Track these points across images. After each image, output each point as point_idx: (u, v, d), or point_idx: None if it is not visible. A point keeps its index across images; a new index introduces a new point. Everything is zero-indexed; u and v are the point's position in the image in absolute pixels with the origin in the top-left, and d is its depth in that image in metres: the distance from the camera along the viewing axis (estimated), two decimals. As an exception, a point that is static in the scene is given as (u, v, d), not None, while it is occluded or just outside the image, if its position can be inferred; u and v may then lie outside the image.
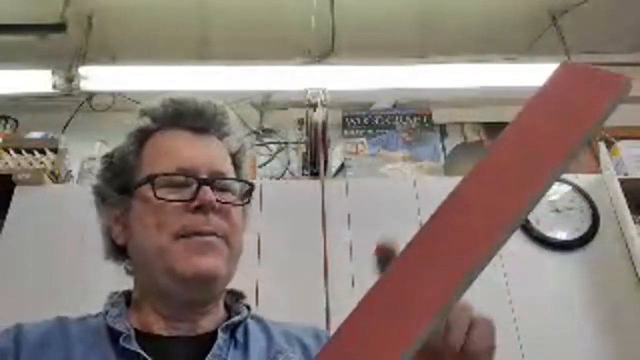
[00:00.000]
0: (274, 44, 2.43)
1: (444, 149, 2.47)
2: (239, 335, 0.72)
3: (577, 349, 1.69)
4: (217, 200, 0.68)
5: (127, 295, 0.77)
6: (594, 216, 1.91)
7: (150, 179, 0.69)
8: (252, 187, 0.75)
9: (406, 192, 1.96)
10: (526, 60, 2.45)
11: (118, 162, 0.74)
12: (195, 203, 0.67)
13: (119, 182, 0.73)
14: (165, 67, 2.25)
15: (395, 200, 1.90)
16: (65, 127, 2.42)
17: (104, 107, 2.49)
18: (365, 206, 1.88)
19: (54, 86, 2.18)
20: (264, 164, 2.39)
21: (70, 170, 2.19)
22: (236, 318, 0.72)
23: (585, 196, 1.96)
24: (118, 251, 0.75)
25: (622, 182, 1.92)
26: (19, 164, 2.06)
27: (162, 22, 2.41)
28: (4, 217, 1.87)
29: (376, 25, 2.44)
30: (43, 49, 2.36)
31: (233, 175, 0.75)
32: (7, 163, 2.06)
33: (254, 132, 2.49)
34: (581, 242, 1.87)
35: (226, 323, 0.71)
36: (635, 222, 1.86)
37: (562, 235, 1.88)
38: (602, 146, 2.08)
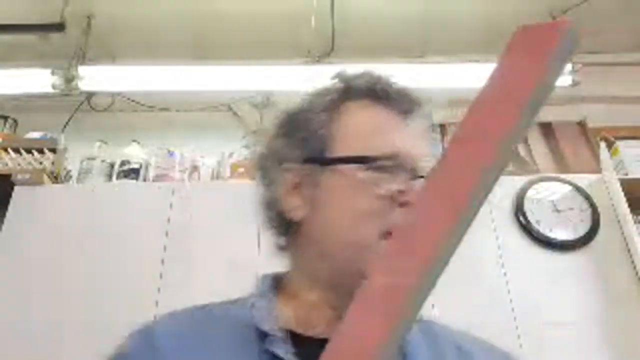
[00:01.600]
0: (274, 44, 2.43)
1: (444, 149, 2.47)
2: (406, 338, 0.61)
3: (577, 349, 1.69)
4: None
5: (275, 280, 0.67)
6: (594, 216, 1.91)
7: (364, 160, 0.59)
8: None
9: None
10: (526, 60, 2.45)
11: (306, 125, 0.64)
12: (404, 198, 0.58)
13: (308, 149, 0.63)
14: (165, 67, 2.25)
15: (395, 200, 1.90)
16: (64, 127, 2.41)
17: (103, 107, 2.49)
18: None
19: (54, 86, 2.18)
20: (264, 164, 2.39)
21: (70, 170, 2.18)
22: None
23: (586, 196, 1.96)
24: (285, 225, 0.66)
25: (622, 182, 1.91)
26: (18, 164, 2.06)
27: (162, 22, 2.40)
28: (3, 217, 1.87)
29: (376, 26, 2.43)
30: (43, 49, 2.36)
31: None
32: (6, 163, 2.06)
33: (254, 132, 2.49)
34: (581, 242, 1.87)
35: None
36: (635, 222, 1.86)
37: (562, 235, 1.88)
38: (602, 146, 2.07)
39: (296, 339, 0.59)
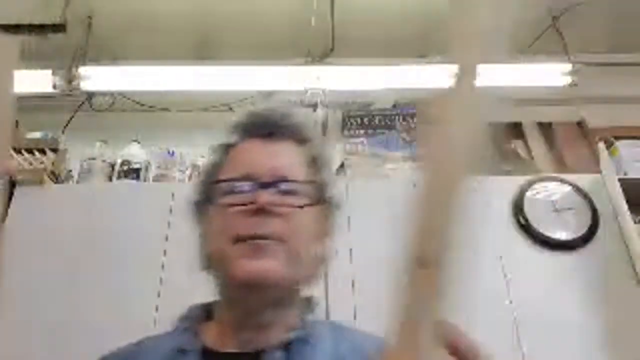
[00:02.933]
0: (274, 44, 2.44)
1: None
2: (297, 352, 0.67)
3: (577, 349, 1.69)
4: (277, 204, 0.68)
5: (208, 308, 0.76)
6: (593, 216, 1.91)
7: (212, 185, 0.72)
8: (320, 187, 0.74)
9: (406, 192, 1.95)
10: (526, 60, 2.45)
11: (206, 175, 0.77)
12: (252, 206, 0.67)
13: (205, 194, 0.75)
14: (165, 67, 2.26)
15: (395, 200, 1.90)
16: (65, 127, 2.42)
17: (104, 107, 2.49)
18: (365, 206, 1.88)
19: (54, 86, 2.18)
20: (264, 164, 2.39)
21: (71, 171, 2.19)
22: (286, 336, 0.68)
23: (585, 196, 1.96)
24: (206, 260, 0.75)
25: (622, 182, 1.92)
26: (19, 164, 2.06)
27: (162, 22, 2.41)
28: (4, 218, 1.87)
29: (376, 25, 2.44)
30: (43, 49, 2.36)
31: (303, 178, 0.73)
32: (7, 163, 2.06)
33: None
34: (581, 242, 1.87)
35: (276, 341, 0.67)
36: (635, 222, 1.86)
37: (561, 235, 1.88)
38: (601, 146, 2.08)
39: (208, 355, 0.68)
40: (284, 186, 0.70)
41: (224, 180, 0.72)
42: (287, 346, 0.67)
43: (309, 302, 0.75)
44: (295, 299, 0.72)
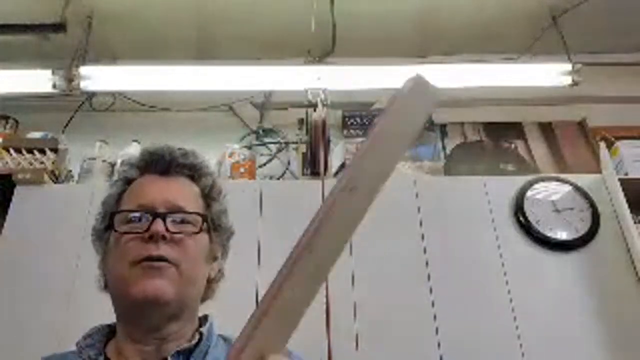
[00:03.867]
0: (274, 44, 2.44)
1: (444, 148, 2.47)
2: (195, 358, 0.76)
3: (577, 349, 1.69)
4: (169, 231, 0.76)
5: (111, 328, 0.84)
6: (594, 216, 1.91)
7: (112, 215, 0.80)
8: (203, 218, 0.82)
9: (406, 192, 1.96)
10: (526, 60, 2.45)
11: (106, 206, 0.84)
12: (147, 234, 0.75)
13: (105, 222, 0.82)
14: (165, 67, 2.25)
15: (395, 200, 1.90)
16: (65, 127, 2.42)
17: (104, 107, 2.49)
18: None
19: (54, 86, 2.18)
20: (264, 164, 2.39)
21: (71, 170, 2.19)
22: (184, 345, 0.76)
23: (586, 196, 1.96)
24: (106, 283, 0.83)
25: (622, 182, 1.92)
26: (19, 164, 2.06)
27: (162, 22, 2.41)
28: (4, 217, 1.87)
29: (376, 25, 2.44)
30: (43, 49, 2.36)
31: (199, 211, 0.82)
32: (7, 163, 2.06)
33: (254, 132, 2.50)
34: (581, 242, 1.87)
35: (177, 349, 0.76)
36: (635, 222, 1.86)
37: (562, 235, 1.88)
38: (602, 146, 2.08)
39: None
40: (176, 216, 0.79)
41: (122, 211, 0.80)
42: (187, 353, 0.76)
43: (204, 318, 0.84)
44: (191, 314, 0.80)
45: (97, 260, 0.84)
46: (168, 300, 0.74)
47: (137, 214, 0.78)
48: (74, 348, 0.80)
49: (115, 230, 0.79)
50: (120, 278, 0.76)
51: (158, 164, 0.85)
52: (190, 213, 0.81)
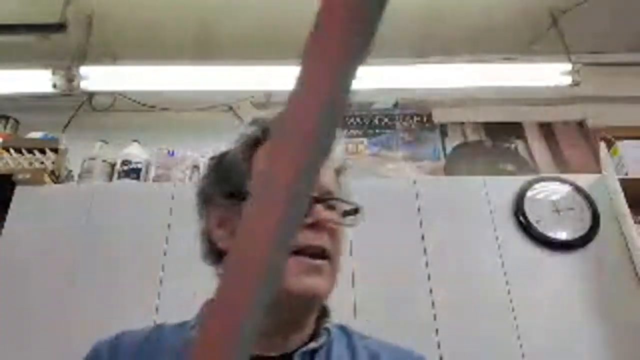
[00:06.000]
0: (274, 44, 2.44)
1: (444, 149, 2.47)
2: (321, 358, 0.71)
3: (577, 349, 1.69)
4: (331, 219, 0.69)
5: None
6: (594, 216, 1.91)
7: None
8: (357, 209, 0.75)
9: (406, 192, 1.96)
10: (526, 60, 2.45)
11: (228, 166, 0.75)
12: (309, 220, 0.68)
13: (228, 186, 0.73)
14: (165, 67, 2.26)
15: (395, 200, 1.90)
16: (65, 127, 2.42)
17: (104, 107, 2.49)
18: (365, 206, 1.88)
19: (54, 86, 2.19)
20: (264, 164, 2.39)
21: (71, 171, 2.19)
22: (311, 345, 0.71)
23: (586, 196, 1.96)
24: (216, 255, 0.76)
25: (622, 182, 1.91)
26: (19, 164, 2.06)
27: (163, 22, 2.41)
28: (3, 217, 1.87)
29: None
30: (43, 49, 2.36)
31: (339, 194, 0.75)
32: (7, 163, 2.06)
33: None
34: (581, 242, 1.87)
35: (302, 350, 0.70)
36: (635, 222, 1.86)
37: (562, 235, 1.88)
38: (602, 146, 2.08)
39: None
40: (330, 201, 0.71)
41: None
42: (311, 353, 0.70)
43: (325, 308, 0.77)
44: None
45: (202, 226, 0.76)
46: (322, 298, 0.70)
47: None
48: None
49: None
50: None
51: None
52: (342, 199, 0.74)
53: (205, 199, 0.76)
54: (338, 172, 0.78)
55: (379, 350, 0.75)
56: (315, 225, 0.68)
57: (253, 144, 0.76)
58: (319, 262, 0.68)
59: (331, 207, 0.72)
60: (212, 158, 0.79)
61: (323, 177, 0.72)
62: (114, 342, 0.74)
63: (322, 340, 0.72)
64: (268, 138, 0.75)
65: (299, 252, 0.67)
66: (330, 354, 0.72)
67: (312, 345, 0.71)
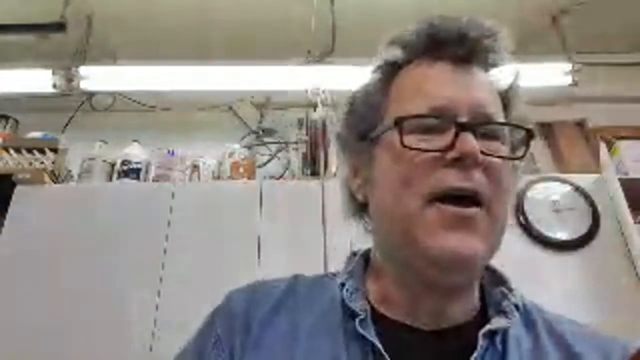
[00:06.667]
0: (274, 44, 2.43)
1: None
2: (498, 340, 0.56)
3: (577, 349, 1.69)
4: (482, 152, 0.53)
5: (366, 257, 0.66)
6: (594, 216, 1.91)
7: (398, 122, 0.55)
8: (530, 133, 0.58)
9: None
10: (525, 60, 2.44)
11: (362, 102, 0.63)
12: (453, 154, 0.53)
13: (363, 126, 0.61)
14: (165, 67, 2.25)
15: (395, 200, 1.90)
16: (65, 127, 2.42)
17: (104, 107, 2.49)
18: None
19: (54, 86, 2.18)
20: (264, 164, 2.39)
21: (71, 170, 2.19)
22: (500, 324, 0.57)
23: (586, 196, 1.96)
24: (358, 207, 0.65)
25: (622, 182, 1.91)
26: (19, 164, 2.06)
27: (162, 21, 2.41)
28: (4, 217, 1.87)
29: (376, 25, 2.43)
30: (43, 49, 2.36)
31: (502, 118, 0.59)
32: (7, 163, 2.06)
33: (254, 132, 2.49)
34: (581, 242, 1.87)
35: (489, 328, 0.55)
36: (635, 222, 1.86)
37: (562, 235, 1.88)
38: (602, 146, 2.07)
39: (380, 321, 0.58)
40: (488, 128, 0.56)
41: (411, 117, 0.55)
42: (490, 337, 0.56)
43: (493, 272, 0.64)
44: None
45: (344, 176, 0.65)
46: (479, 260, 0.55)
47: (430, 121, 0.54)
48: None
49: (390, 141, 0.56)
50: (404, 216, 0.54)
51: (451, 45, 0.59)
52: (513, 125, 0.58)
53: (341, 144, 0.66)
54: (505, 92, 0.62)
55: (571, 338, 0.61)
56: (464, 161, 0.53)
57: (391, 70, 0.62)
58: (467, 210, 0.53)
59: (490, 137, 0.56)
60: (350, 96, 0.66)
61: (478, 98, 0.57)
62: (249, 294, 0.65)
63: (510, 320, 0.58)
64: (406, 59, 0.61)
65: (442, 198, 0.53)
66: (507, 334, 0.57)
67: (500, 325, 0.56)
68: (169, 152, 2.17)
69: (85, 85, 2.20)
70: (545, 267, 1.83)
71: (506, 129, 0.58)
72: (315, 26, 2.26)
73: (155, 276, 1.74)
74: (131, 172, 2.09)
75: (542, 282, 1.80)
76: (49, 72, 2.18)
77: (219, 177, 2.14)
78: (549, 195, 1.97)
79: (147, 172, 2.14)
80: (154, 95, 2.45)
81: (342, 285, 0.62)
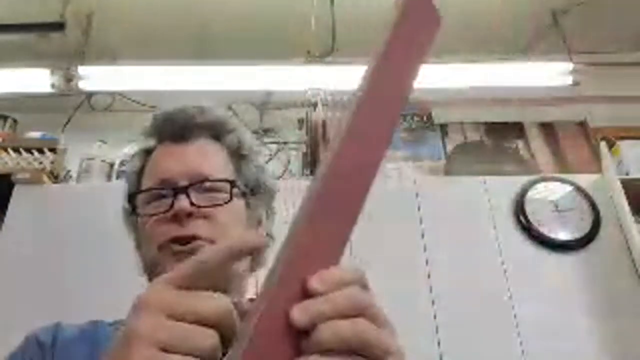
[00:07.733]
0: (274, 44, 2.43)
1: (444, 148, 2.47)
2: None
3: (577, 349, 1.69)
4: (199, 205, 0.67)
5: None
6: (595, 216, 1.91)
7: (130, 198, 0.73)
8: (231, 183, 0.71)
9: (406, 192, 1.95)
10: (526, 60, 2.44)
11: (129, 185, 0.77)
12: (170, 213, 0.67)
13: (130, 203, 0.75)
14: (165, 67, 2.25)
15: (395, 200, 1.89)
16: (64, 127, 2.41)
17: (103, 107, 2.49)
18: (365, 206, 1.88)
19: (53, 86, 2.18)
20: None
21: (70, 170, 2.18)
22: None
23: (586, 196, 1.95)
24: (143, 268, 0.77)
25: (623, 182, 1.91)
26: (18, 164, 2.06)
27: (162, 21, 2.40)
28: (2, 217, 1.87)
29: (376, 25, 2.42)
30: (42, 48, 2.36)
31: (227, 175, 0.72)
32: (6, 163, 2.06)
33: (254, 132, 2.49)
34: (582, 242, 1.87)
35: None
36: (635, 222, 1.86)
37: (563, 235, 1.88)
38: (603, 146, 2.07)
39: None
40: (204, 186, 0.69)
41: (140, 192, 0.73)
42: None
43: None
44: (238, 291, 0.72)
45: (132, 244, 0.77)
46: None
47: (157, 192, 0.70)
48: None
49: (140, 212, 0.71)
50: (151, 264, 0.69)
51: (173, 128, 0.75)
52: (215, 181, 0.70)
53: (124, 216, 0.78)
54: (234, 153, 0.76)
55: None
56: (179, 216, 0.66)
57: (144, 155, 0.78)
58: (190, 245, 0.66)
59: (211, 190, 0.70)
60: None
61: (189, 164, 0.71)
62: (52, 330, 0.77)
63: None
64: (155, 145, 0.77)
65: (167, 245, 0.67)
66: None
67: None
68: (168, 152, 2.17)
69: (84, 85, 2.19)
70: (546, 268, 1.83)
71: (223, 183, 0.71)
72: (315, 26, 2.26)
73: (154, 276, 1.74)
74: (130, 172, 2.08)
75: (543, 282, 1.79)
76: (48, 71, 2.18)
77: (248, 132, 2.12)
78: (549, 195, 1.97)
79: (146, 172, 2.14)
80: (153, 95, 2.44)
81: (117, 328, 0.73)
